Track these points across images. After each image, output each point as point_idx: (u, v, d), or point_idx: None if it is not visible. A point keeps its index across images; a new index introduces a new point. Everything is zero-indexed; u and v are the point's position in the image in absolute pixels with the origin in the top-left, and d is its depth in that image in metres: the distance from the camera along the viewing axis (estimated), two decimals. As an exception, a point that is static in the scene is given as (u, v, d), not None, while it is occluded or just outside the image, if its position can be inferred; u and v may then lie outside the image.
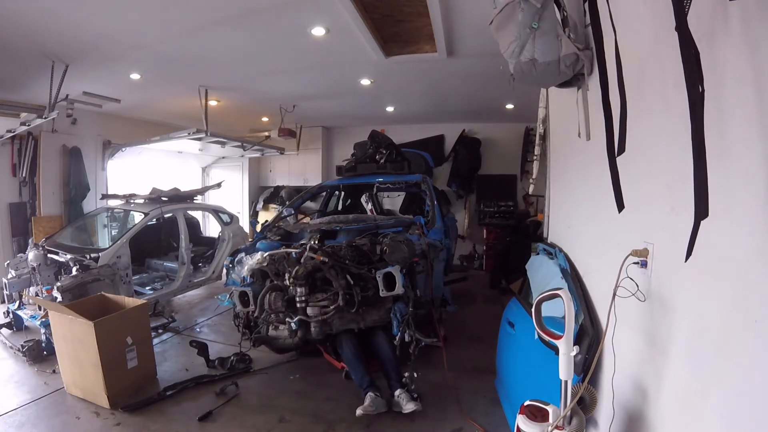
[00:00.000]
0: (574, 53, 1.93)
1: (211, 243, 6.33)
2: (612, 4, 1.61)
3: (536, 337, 1.93)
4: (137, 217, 5.03)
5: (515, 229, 6.56)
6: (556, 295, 1.57)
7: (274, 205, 8.54)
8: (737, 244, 1.05)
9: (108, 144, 6.57)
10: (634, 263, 1.49)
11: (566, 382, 1.57)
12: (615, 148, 1.41)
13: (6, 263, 4.62)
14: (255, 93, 5.81)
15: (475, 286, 6.26)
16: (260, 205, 8.80)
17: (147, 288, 5.30)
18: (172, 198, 5.44)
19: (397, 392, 2.90)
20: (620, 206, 1.40)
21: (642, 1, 1.61)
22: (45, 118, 4.54)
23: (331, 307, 2.96)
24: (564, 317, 1.55)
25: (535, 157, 4.50)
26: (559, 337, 1.56)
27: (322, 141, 8.65)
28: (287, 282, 3.03)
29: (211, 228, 7.69)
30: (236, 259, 3.61)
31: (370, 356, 3.24)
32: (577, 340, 1.83)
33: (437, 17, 3.34)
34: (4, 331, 4.16)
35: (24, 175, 5.58)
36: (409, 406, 2.80)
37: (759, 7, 0.98)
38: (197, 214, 7.16)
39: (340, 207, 6.03)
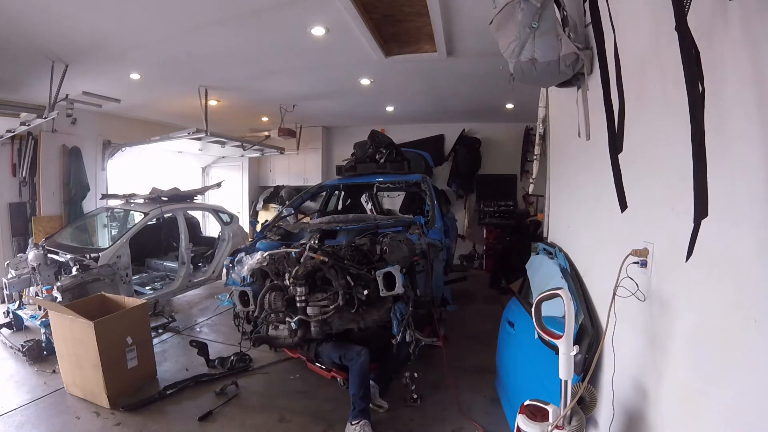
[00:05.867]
0: (574, 53, 1.93)
1: (211, 243, 6.33)
2: (612, 4, 1.61)
3: (536, 336, 1.93)
4: (137, 217, 5.03)
5: (515, 228, 6.56)
6: (556, 295, 1.57)
7: (274, 205, 8.54)
8: (737, 243, 1.05)
9: (108, 144, 6.57)
10: (634, 263, 1.49)
11: (566, 381, 1.57)
12: (618, 147, 1.41)
13: (6, 263, 4.62)
14: (255, 93, 5.81)
15: (475, 286, 6.26)
16: (260, 204, 8.79)
17: (147, 288, 5.30)
18: (172, 198, 5.44)
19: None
20: (623, 206, 1.40)
21: (642, 1, 1.61)
22: (45, 118, 4.53)
23: (331, 307, 2.96)
24: (564, 317, 1.55)
25: (534, 157, 4.49)
26: (559, 337, 1.56)
27: (322, 141, 8.64)
28: (287, 282, 3.02)
29: (211, 228, 7.69)
30: (236, 259, 3.60)
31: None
32: (577, 340, 1.83)
33: (437, 17, 3.34)
34: (4, 331, 4.17)
35: (24, 175, 5.58)
36: (378, 403, 2.94)
37: (759, 6, 0.98)
38: (197, 214, 7.16)
39: (340, 207, 6.02)
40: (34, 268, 4.20)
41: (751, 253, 0.99)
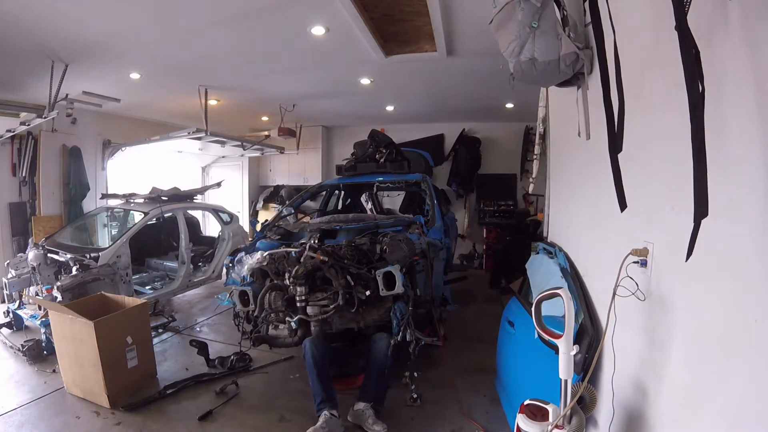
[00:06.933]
0: (574, 52, 1.93)
1: (211, 242, 6.33)
2: (612, 4, 1.61)
3: (536, 336, 1.93)
4: (137, 217, 5.03)
5: (515, 228, 6.56)
6: (556, 294, 1.57)
7: (274, 205, 8.54)
8: (737, 243, 1.05)
9: (108, 143, 6.57)
10: (634, 262, 1.49)
11: (566, 381, 1.57)
12: (617, 147, 1.41)
13: (6, 263, 4.62)
14: (255, 92, 5.81)
15: (475, 286, 6.26)
16: (260, 204, 8.80)
17: (147, 287, 5.30)
18: (172, 197, 5.44)
19: (362, 405, 2.69)
20: (623, 206, 1.40)
21: (642, 1, 1.61)
22: (45, 117, 4.53)
23: (331, 307, 2.96)
24: (564, 316, 1.55)
25: (534, 157, 4.49)
26: (559, 336, 1.56)
27: (322, 140, 8.65)
28: (287, 281, 3.02)
29: (211, 227, 7.69)
30: (236, 259, 3.60)
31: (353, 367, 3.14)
32: (577, 340, 1.83)
33: (437, 16, 3.34)
34: (4, 330, 4.16)
35: (24, 174, 5.57)
36: (375, 428, 2.59)
37: (759, 6, 0.98)
38: (197, 214, 7.16)
39: (340, 206, 6.03)
40: (34, 268, 4.20)
41: (751, 253, 0.99)
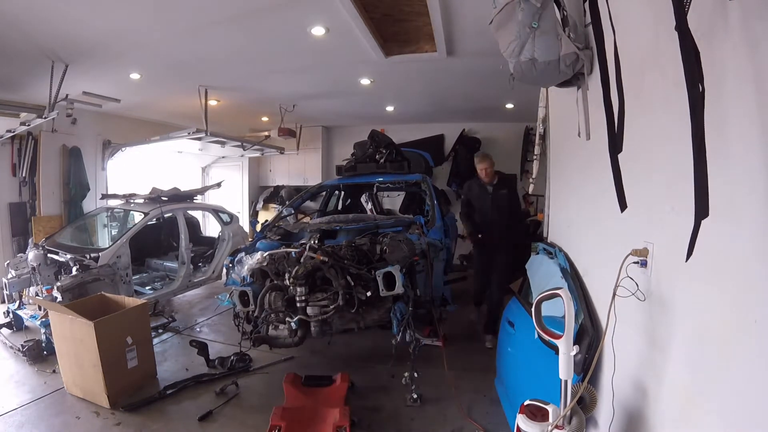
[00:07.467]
0: (574, 52, 1.93)
1: (211, 243, 6.33)
2: (612, 4, 1.61)
3: (536, 336, 1.94)
4: (137, 217, 5.03)
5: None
6: (556, 295, 1.57)
7: (274, 205, 8.54)
8: (737, 243, 1.05)
9: (108, 144, 6.57)
10: (634, 263, 1.49)
11: (566, 381, 1.57)
12: (617, 147, 1.41)
13: (6, 263, 4.62)
14: (255, 93, 5.81)
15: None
16: (260, 204, 8.80)
17: (147, 288, 5.30)
18: (172, 198, 5.44)
19: None
20: (623, 206, 1.40)
21: (642, 1, 1.61)
22: (45, 117, 4.53)
23: (331, 307, 2.96)
24: (564, 317, 1.55)
25: (534, 157, 4.49)
26: (558, 337, 1.56)
27: (322, 141, 8.64)
28: (287, 282, 3.02)
29: (211, 228, 7.68)
30: (236, 259, 3.61)
31: None
32: (577, 340, 1.83)
33: (437, 17, 3.34)
34: (4, 331, 4.16)
35: (24, 175, 5.57)
36: None
37: (759, 6, 0.98)
38: (197, 214, 7.16)
39: (340, 207, 6.03)
40: (34, 268, 4.20)
41: (751, 253, 0.99)
